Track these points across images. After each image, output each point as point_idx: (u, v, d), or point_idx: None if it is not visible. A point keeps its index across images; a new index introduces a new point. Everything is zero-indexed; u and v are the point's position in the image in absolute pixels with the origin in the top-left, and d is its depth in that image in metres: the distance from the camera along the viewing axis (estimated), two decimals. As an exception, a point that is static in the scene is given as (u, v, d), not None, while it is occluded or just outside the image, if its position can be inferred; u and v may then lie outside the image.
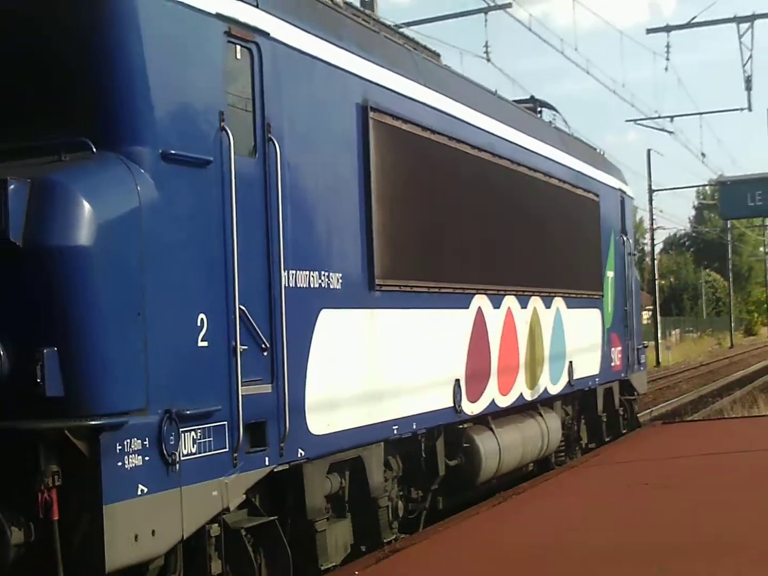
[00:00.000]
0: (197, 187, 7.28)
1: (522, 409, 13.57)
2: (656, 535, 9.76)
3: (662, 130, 39.56)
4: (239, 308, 7.56)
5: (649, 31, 27.41)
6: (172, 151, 7.03)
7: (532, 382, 13.70)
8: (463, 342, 11.57)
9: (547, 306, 14.42)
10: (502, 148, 12.92)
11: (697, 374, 43.44)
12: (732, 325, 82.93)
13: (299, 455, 8.35)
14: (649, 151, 52.79)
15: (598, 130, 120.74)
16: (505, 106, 14.19)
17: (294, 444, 8.25)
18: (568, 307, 15.24)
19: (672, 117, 39.01)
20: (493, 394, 12.35)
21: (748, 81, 28.07)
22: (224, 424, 7.44)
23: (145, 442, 6.68)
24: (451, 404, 11.20)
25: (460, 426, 11.72)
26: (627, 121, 38.53)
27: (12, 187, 6.19)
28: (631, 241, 19.03)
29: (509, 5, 22.65)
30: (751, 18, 26.61)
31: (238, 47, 7.83)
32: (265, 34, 8.10)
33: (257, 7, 8.09)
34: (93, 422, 6.29)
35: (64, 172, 6.49)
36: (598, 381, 16.64)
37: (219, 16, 7.60)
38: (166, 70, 7.08)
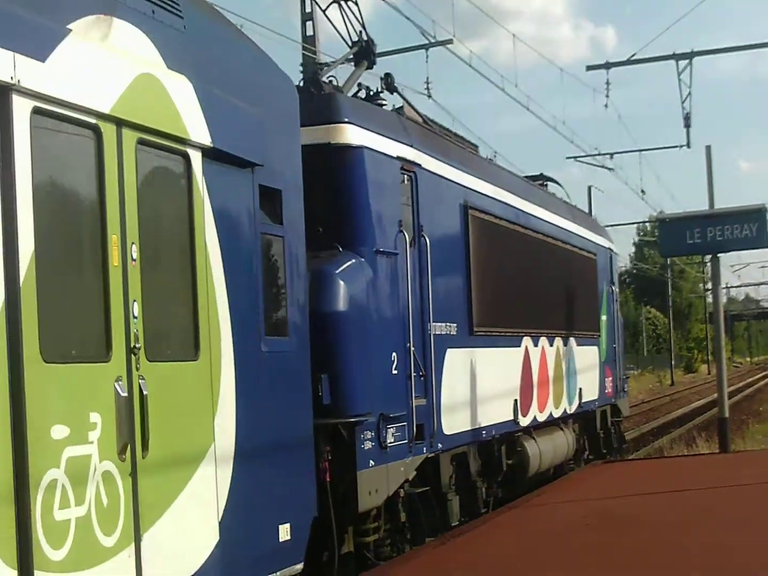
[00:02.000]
0: (390, 270, 11.30)
1: (550, 423, 17.62)
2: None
3: (602, 166, 38.63)
4: (411, 348, 11.57)
5: (589, 68, 27.09)
6: (380, 249, 11.06)
7: (557, 403, 17.78)
8: (518, 371, 15.64)
9: (565, 344, 18.53)
10: (537, 225, 17.09)
11: (638, 412, 43.16)
12: (672, 362, 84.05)
13: (439, 447, 12.35)
14: (590, 187, 50.61)
15: (540, 167, 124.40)
16: (537, 191, 18.36)
17: (437, 440, 12.25)
18: (578, 345, 19.37)
19: (612, 154, 38.35)
20: (535, 411, 16.41)
21: (687, 118, 27.70)
22: (405, 424, 11.42)
23: (372, 434, 10.65)
24: (512, 417, 15.24)
25: (516, 434, 15.74)
26: (567, 158, 37.17)
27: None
28: (617, 290, 23.29)
29: (450, 41, 22.46)
30: (690, 55, 26.34)
31: (405, 176, 11.88)
32: (419, 165, 12.17)
33: (413, 147, 12.16)
34: (353, 419, 10.24)
35: (329, 264, 10.46)
36: (597, 404, 20.78)
37: (398, 158, 11.66)
38: (376, 198, 11.11)
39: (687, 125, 28.03)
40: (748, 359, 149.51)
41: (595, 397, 20.62)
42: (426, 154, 12.50)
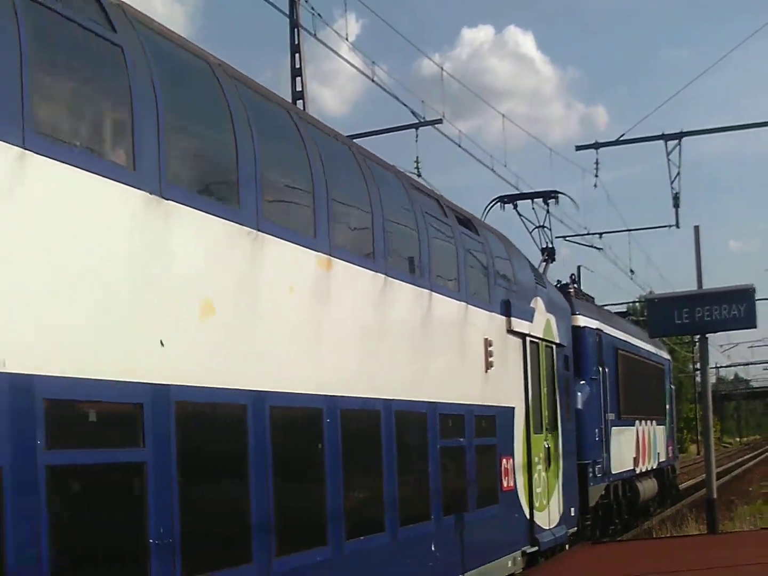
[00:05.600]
0: (594, 386, 22.29)
1: (645, 474, 28.45)
2: None
3: (591, 246, 37.32)
4: (602, 426, 22.53)
5: (578, 148, 27.08)
6: (592, 377, 22.09)
7: (649, 461, 28.65)
8: (634, 440, 26.55)
9: (651, 424, 29.46)
10: (640, 351, 28.18)
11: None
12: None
13: (611, 480, 23.24)
14: (579, 267, 47.29)
15: (530, 246, 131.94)
16: (638, 329, 29.46)
17: (611, 475, 23.14)
18: (657, 425, 30.31)
19: (601, 234, 36.87)
20: (641, 465, 27.28)
21: (676, 198, 27.12)
22: (600, 465, 22.34)
23: (591, 469, 21.56)
24: (633, 467, 26.10)
25: (632, 478, 26.58)
26: (557, 237, 40.61)
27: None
28: (673, 387, 34.27)
29: (440, 121, 22.74)
30: (679, 135, 26.21)
31: (598, 337, 22.92)
32: (601, 330, 23.24)
33: (598, 320, 23.22)
34: (587, 462, 21.15)
35: (574, 385, 21.41)
36: (665, 464, 31.67)
37: (595, 328, 22.74)
38: (590, 351, 22.16)
39: (676, 205, 27.50)
40: (738, 439, 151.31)
41: (665, 459, 31.53)
42: (602, 323, 23.57)
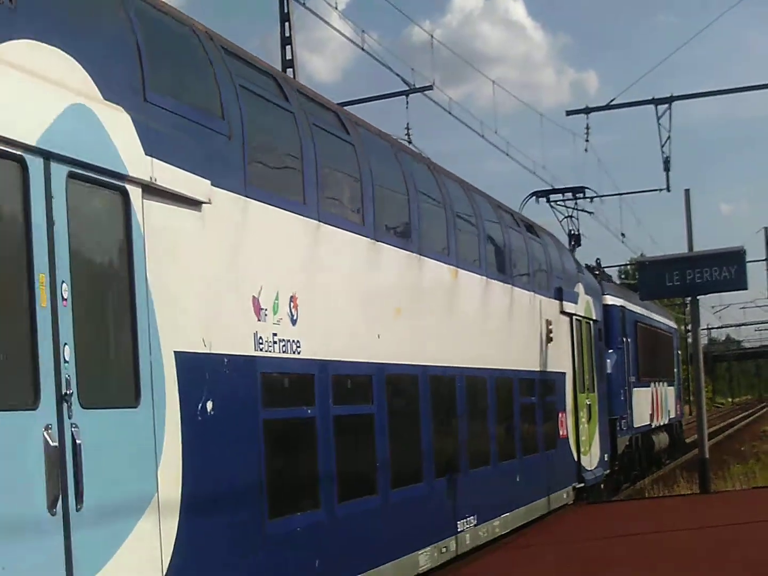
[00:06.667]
0: (620, 354, 26.62)
1: (659, 428, 32.81)
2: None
3: (582, 210, 34.24)
4: (626, 387, 26.88)
5: (569, 113, 26.95)
6: (618, 346, 26.41)
7: (662, 416, 33.03)
8: (649, 399, 30.90)
9: (663, 385, 33.81)
10: (654, 322, 32.46)
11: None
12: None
13: (633, 432, 27.62)
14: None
15: (520, 209, 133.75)
16: (651, 304, 33.76)
17: (633, 428, 27.52)
18: (667, 386, 34.69)
19: (592, 198, 34.42)
20: (655, 420, 31.65)
21: (667, 162, 27.30)
22: (625, 420, 26.68)
23: (619, 423, 25.89)
24: (649, 422, 30.47)
25: (648, 431, 30.94)
26: (548, 201, 30.48)
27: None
28: (680, 353, 38.68)
29: (430, 88, 22.53)
30: (669, 99, 26.20)
31: (621, 313, 27.21)
32: (624, 307, 27.53)
33: (622, 299, 27.50)
34: (616, 417, 25.48)
35: (605, 353, 25.73)
36: (674, 419, 36.09)
37: (620, 306, 27.04)
38: (615, 325, 26.46)
39: (667, 169, 27.67)
40: (730, 400, 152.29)
41: (674, 415, 35.96)
42: (625, 300, 27.87)
